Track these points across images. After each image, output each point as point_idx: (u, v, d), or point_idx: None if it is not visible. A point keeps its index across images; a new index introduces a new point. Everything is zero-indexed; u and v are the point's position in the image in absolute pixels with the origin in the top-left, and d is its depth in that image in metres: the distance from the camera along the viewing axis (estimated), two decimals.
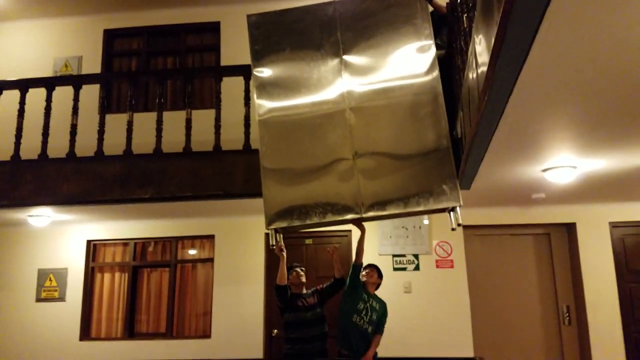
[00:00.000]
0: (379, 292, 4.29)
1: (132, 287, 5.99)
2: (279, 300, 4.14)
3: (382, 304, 4.21)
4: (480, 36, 2.17)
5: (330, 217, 3.47)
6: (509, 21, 1.59)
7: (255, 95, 3.73)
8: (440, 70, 3.55)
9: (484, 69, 2.09)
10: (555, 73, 2.02)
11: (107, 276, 6.12)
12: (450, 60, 3.67)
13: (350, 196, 3.46)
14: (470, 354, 5.36)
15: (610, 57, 1.89)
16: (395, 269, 5.66)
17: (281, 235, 3.66)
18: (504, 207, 5.71)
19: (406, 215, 3.65)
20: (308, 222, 3.50)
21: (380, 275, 4.28)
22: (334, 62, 3.66)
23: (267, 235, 5.74)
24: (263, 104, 3.69)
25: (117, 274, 6.10)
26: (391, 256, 5.69)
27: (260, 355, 5.55)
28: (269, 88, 3.72)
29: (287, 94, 3.69)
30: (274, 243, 3.58)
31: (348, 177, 3.49)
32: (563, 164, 3.68)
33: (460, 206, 3.35)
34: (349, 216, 3.46)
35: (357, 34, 3.66)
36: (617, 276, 5.64)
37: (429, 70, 3.52)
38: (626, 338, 5.48)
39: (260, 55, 3.78)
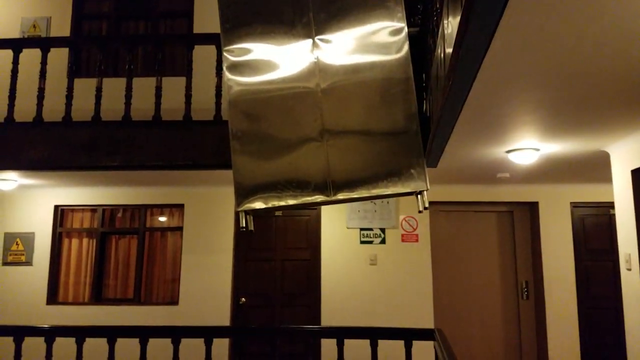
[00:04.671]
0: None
1: (100, 253, 5.98)
2: None
3: None
4: (450, 19, 2.20)
5: (299, 199, 3.50)
6: (471, 8, 1.62)
7: (225, 76, 3.69)
8: (413, 48, 3.57)
9: (449, 51, 2.13)
10: (517, 61, 2.07)
11: (74, 242, 6.08)
12: (423, 39, 3.69)
13: (320, 177, 3.50)
14: (431, 325, 5.57)
15: (570, 48, 1.95)
16: (362, 242, 5.79)
17: (251, 217, 3.69)
18: (470, 185, 5.86)
19: (375, 198, 3.71)
20: (276, 204, 3.52)
21: None
22: (305, 43, 3.63)
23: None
24: (233, 84, 3.66)
25: (85, 240, 6.06)
26: (358, 229, 5.82)
27: (227, 322, 5.65)
28: (240, 68, 3.67)
29: (257, 74, 3.65)
30: (244, 225, 3.59)
31: (318, 156, 3.51)
32: (526, 146, 3.79)
33: (427, 190, 3.44)
34: (319, 198, 3.50)
35: (329, 15, 3.62)
36: (575, 254, 5.90)
37: (400, 52, 3.54)
38: (580, 313, 5.78)
39: (231, 34, 3.72)
